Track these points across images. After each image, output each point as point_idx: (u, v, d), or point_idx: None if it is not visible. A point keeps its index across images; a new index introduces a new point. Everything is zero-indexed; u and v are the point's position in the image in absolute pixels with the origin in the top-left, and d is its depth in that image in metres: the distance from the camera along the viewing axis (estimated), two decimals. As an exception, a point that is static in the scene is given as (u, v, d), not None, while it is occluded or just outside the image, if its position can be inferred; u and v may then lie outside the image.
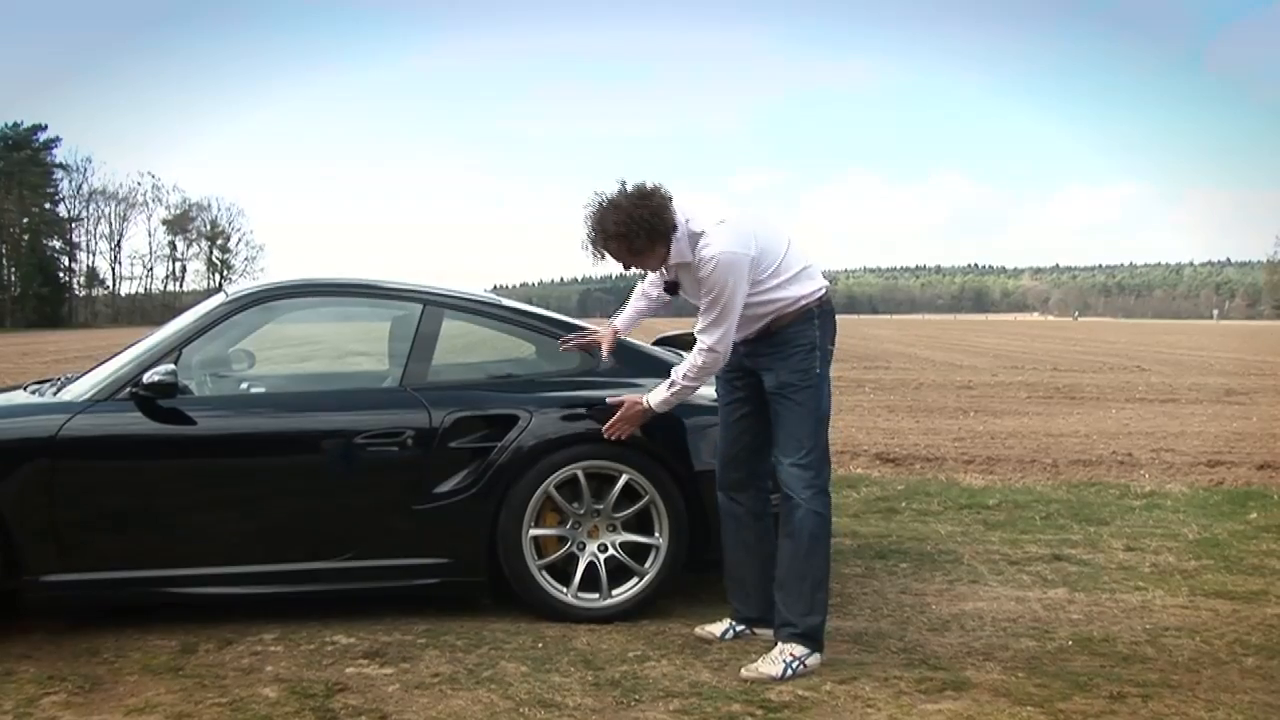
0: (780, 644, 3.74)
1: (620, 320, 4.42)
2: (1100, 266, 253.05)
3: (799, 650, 3.70)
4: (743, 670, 3.67)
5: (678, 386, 3.93)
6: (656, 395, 3.99)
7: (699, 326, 3.82)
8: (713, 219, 3.74)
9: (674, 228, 3.74)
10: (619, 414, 4.06)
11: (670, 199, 3.74)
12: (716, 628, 4.08)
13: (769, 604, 3.94)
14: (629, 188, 3.74)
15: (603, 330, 4.46)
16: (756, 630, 4.02)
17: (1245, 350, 31.08)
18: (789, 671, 3.64)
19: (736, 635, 4.04)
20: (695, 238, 3.74)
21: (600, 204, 3.73)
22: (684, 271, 3.86)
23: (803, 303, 3.82)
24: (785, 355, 3.81)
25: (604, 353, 4.39)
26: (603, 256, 3.80)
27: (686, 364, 3.91)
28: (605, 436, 4.09)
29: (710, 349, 3.80)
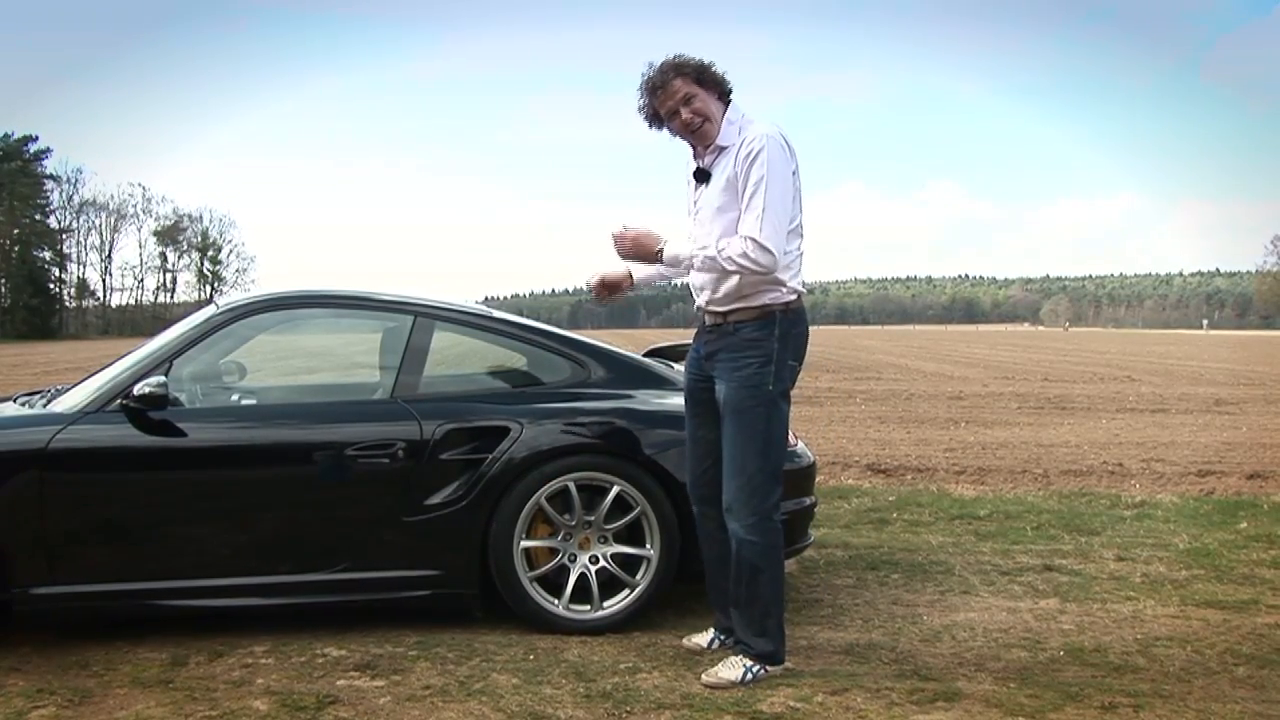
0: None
1: (639, 272, 4.09)
2: (1090, 277, 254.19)
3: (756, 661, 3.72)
4: (703, 676, 3.67)
5: (701, 256, 3.64)
6: (677, 248, 3.72)
7: (748, 224, 3.57)
8: (767, 121, 3.71)
9: (729, 97, 3.72)
10: (633, 235, 3.78)
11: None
12: (703, 638, 4.07)
13: None
14: None
15: (621, 273, 4.13)
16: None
17: (1235, 360, 31.17)
18: (749, 676, 3.65)
19: (723, 644, 4.02)
20: (744, 126, 3.69)
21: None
22: (721, 162, 3.69)
23: (766, 299, 3.67)
24: (737, 365, 3.69)
25: (617, 291, 4.08)
26: (661, 89, 3.68)
27: (730, 247, 3.58)
28: (615, 243, 3.81)
29: (759, 245, 3.53)
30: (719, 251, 3.60)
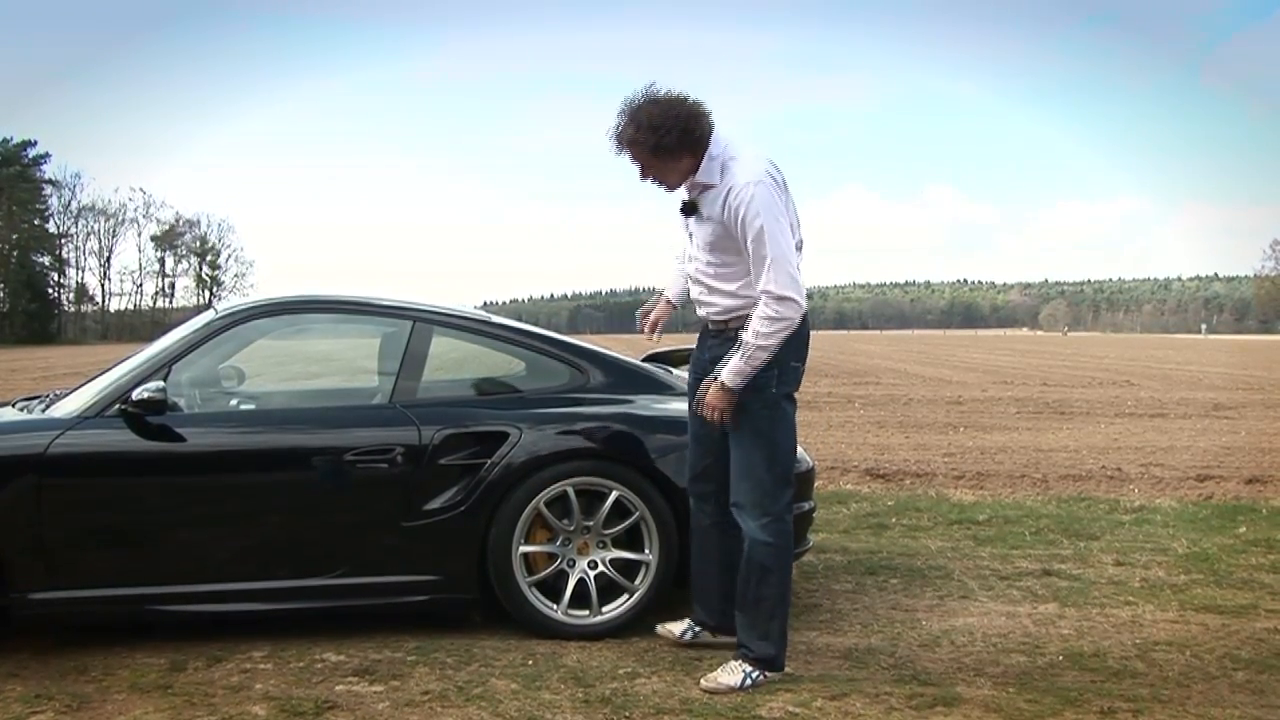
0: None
1: (671, 292, 4.17)
2: (1089, 281, 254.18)
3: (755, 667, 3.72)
4: (702, 681, 3.69)
5: (749, 350, 3.58)
6: (728, 371, 3.63)
7: (762, 281, 3.55)
8: (752, 150, 3.65)
9: (705, 140, 3.62)
10: (709, 404, 3.71)
11: (710, 114, 3.63)
12: (677, 627, 4.12)
13: (727, 614, 3.97)
14: (673, 91, 3.63)
15: (659, 305, 4.22)
16: (716, 635, 4.06)
17: (1233, 364, 31.19)
18: (748, 681, 3.66)
19: (695, 635, 4.08)
20: (728, 162, 3.61)
21: (637, 98, 3.62)
22: (707, 199, 3.66)
23: None
24: None
25: (656, 330, 4.19)
26: (623, 151, 3.66)
27: (753, 324, 3.56)
28: (710, 419, 3.75)
29: (778, 298, 3.52)
30: (754, 336, 3.58)
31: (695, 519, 4.04)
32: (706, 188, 3.67)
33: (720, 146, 3.65)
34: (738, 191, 3.56)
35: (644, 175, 3.71)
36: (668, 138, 3.57)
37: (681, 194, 3.80)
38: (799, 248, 3.74)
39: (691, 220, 3.80)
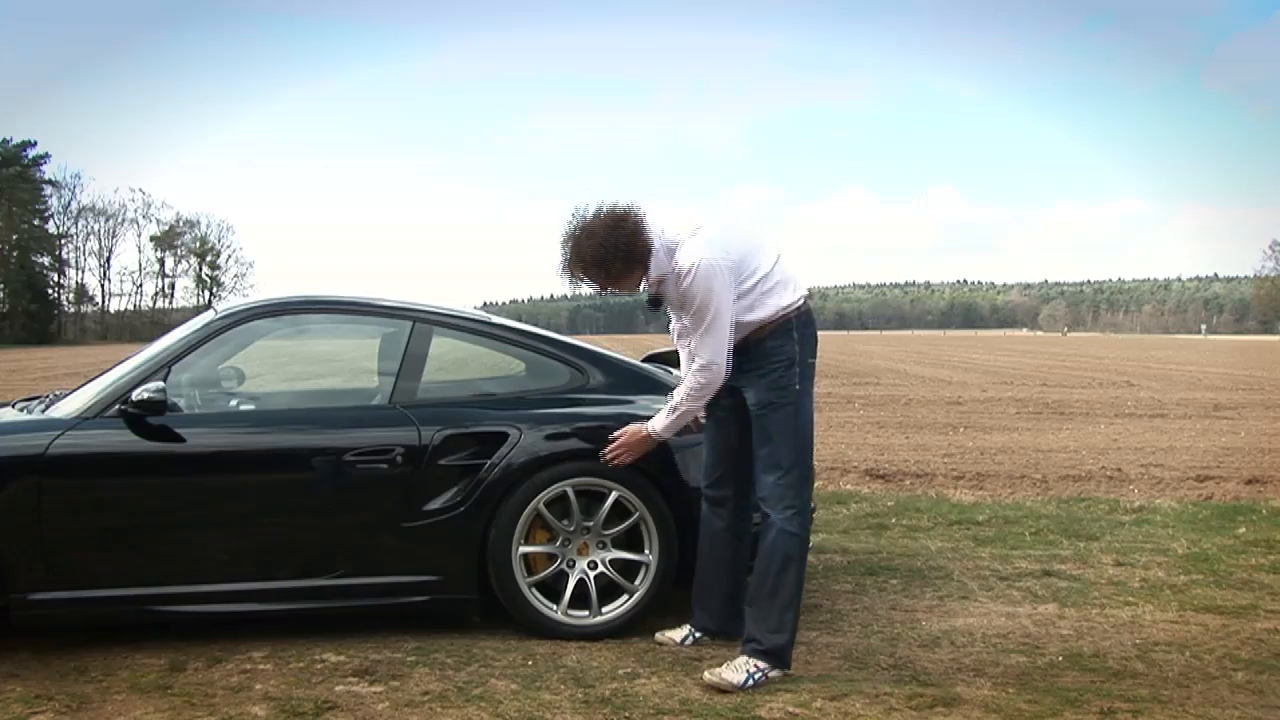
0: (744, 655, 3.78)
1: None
2: (1089, 282, 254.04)
3: (762, 662, 3.73)
4: (705, 674, 3.70)
5: (680, 410, 3.92)
6: (659, 421, 3.99)
7: (695, 346, 3.82)
8: (688, 228, 3.79)
9: (650, 249, 3.77)
10: (621, 441, 4.06)
11: (644, 219, 3.77)
12: (677, 634, 4.14)
13: (730, 617, 4.02)
14: (603, 212, 3.77)
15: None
16: (716, 639, 4.08)
17: (1233, 365, 31.20)
18: (750, 681, 3.67)
19: (695, 641, 4.10)
20: (672, 249, 3.78)
21: (574, 232, 3.77)
22: (665, 285, 3.86)
23: (781, 315, 3.82)
24: (764, 371, 3.81)
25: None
26: (578, 284, 3.84)
27: (685, 385, 3.89)
28: (603, 461, 4.10)
29: (706, 365, 3.79)
30: (687, 400, 3.89)
31: (708, 523, 4.08)
32: (662, 280, 3.84)
33: (659, 235, 3.80)
34: (683, 273, 3.75)
35: (602, 293, 3.89)
36: (615, 266, 3.76)
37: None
38: (766, 268, 3.83)
39: (665, 307, 3.98)
